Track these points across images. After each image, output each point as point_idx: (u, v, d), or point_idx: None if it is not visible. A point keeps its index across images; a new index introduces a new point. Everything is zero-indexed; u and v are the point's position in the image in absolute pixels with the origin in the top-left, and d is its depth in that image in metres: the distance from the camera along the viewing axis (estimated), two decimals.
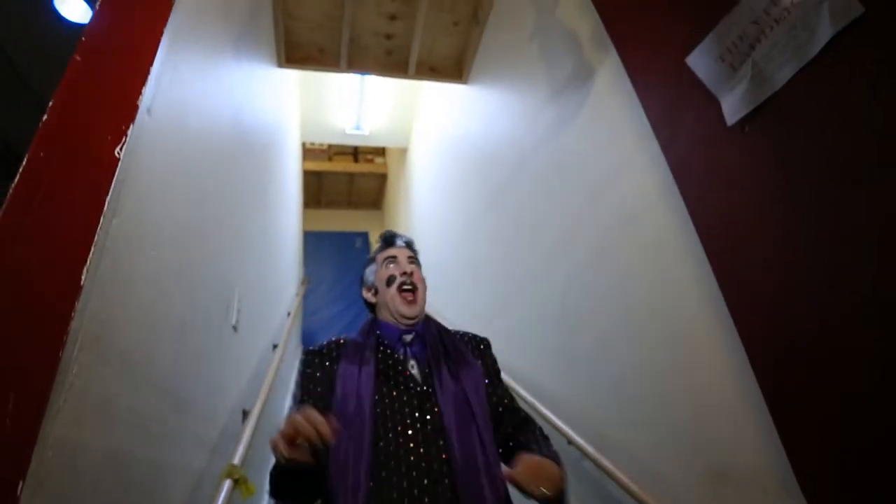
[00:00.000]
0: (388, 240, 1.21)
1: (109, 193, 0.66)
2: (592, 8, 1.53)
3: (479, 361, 1.09)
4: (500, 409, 1.05)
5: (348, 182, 6.56)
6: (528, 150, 2.01)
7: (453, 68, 2.88)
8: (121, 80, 0.77)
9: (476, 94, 2.80)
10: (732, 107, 1.01)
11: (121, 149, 0.70)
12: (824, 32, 0.83)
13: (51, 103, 0.72)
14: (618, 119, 1.41)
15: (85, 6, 2.38)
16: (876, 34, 0.78)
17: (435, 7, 2.59)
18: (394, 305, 1.08)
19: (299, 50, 2.68)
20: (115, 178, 0.68)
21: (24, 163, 0.66)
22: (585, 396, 1.54)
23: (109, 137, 0.71)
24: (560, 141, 1.74)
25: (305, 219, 5.91)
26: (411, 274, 1.12)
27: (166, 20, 0.89)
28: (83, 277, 0.59)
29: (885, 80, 0.76)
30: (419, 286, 1.12)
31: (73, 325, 0.58)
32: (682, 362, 1.18)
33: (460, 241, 2.98)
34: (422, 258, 1.21)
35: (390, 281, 1.11)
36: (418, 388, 0.97)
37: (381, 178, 6.49)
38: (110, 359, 0.69)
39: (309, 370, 1.01)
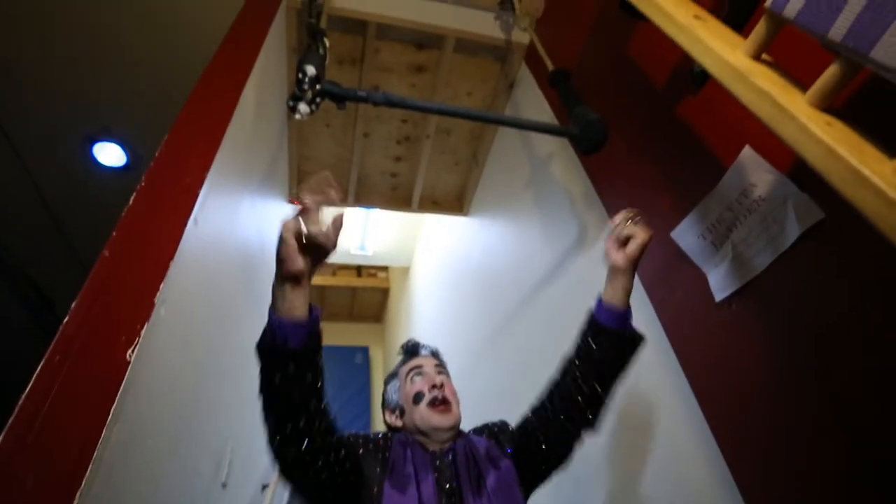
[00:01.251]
0: (411, 349, 1.09)
1: (116, 401, 0.68)
2: (583, 169, 1.68)
3: (507, 455, 0.96)
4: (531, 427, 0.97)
5: (350, 296, 6.63)
6: (528, 291, 2.07)
7: (454, 202, 3.07)
8: (142, 277, 0.83)
9: (476, 226, 2.95)
10: (718, 284, 1.06)
11: (133, 351, 0.73)
12: (792, 230, 0.90)
13: (74, 304, 0.77)
14: None
15: (120, 151, 2.61)
16: (842, 229, 0.85)
17: (437, 150, 2.83)
18: (425, 423, 0.94)
19: None
20: (123, 384, 0.70)
21: (37, 371, 0.68)
22: None
23: (124, 338, 0.74)
24: (556, 288, 1.80)
25: None
26: (442, 386, 0.99)
27: (192, 209, 0.98)
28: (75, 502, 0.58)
29: (856, 268, 0.81)
30: (452, 400, 0.99)
31: None
32: None
33: (463, 371, 2.94)
34: None
35: (418, 398, 0.97)
36: None
37: (384, 293, 6.57)
38: None
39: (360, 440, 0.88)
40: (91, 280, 0.80)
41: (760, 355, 0.97)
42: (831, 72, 0.60)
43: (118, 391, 0.69)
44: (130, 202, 0.94)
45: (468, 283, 3.09)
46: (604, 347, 0.92)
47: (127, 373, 0.71)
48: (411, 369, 1.03)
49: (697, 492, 1.10)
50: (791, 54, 0.77)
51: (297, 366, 0.69)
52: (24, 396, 0.65)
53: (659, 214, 1.28)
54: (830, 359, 0.84)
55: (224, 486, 1.46)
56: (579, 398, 0.92)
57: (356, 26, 2.13)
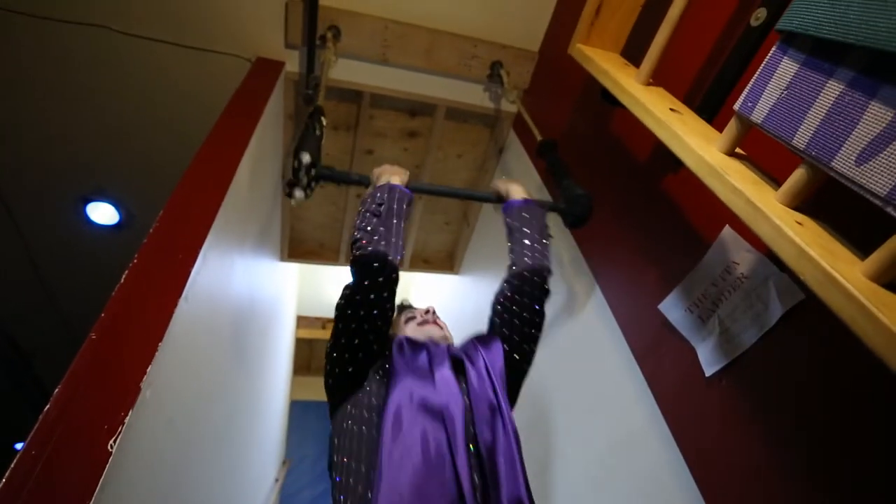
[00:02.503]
0: (407, 306, 1.18)
1: (93, 499, 0.65)
2: (571, 236, 1.72)
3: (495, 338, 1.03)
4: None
5: None
6: None
7: (445, 260, 3.09)
8: (129, 361, 0.82)
9: (467, 284, 2.96)
10: (707, 359, 1.07)
11: (115, 441, 0.71)
12: (776, 309, 0.92)
13: (57, 389, 0.76)
14: (602, 344, 1.48)
15: (113, 210, 2.63)
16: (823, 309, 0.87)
17: (428, 210, 2.88)
18: (415, 335, 1.02)
19: (302, 246, 2.90)
20: (102, 478, 0.67)
21: (12, 466, 0.66)
22: None
23: (106, 427, 0.72)
24: (546, 355, 1.79)
25: (293, 387, 5.72)
26: (433, 313, 1.11)
27: (183, 288, 0.98)
28: None
29: (842, 345, 0.82)
30: (443, 325, 1.10)
31: None
32: None
33: None
34: None
35: (409, 321, 1.08)
36: None
37: None
38: None
39: None
40: (77, 363, 0.79)
41: (753, 431, 0.96)
42: (799, 174, 0.64)
43: (97, 487, 0.66)
44: (122, 280, 0.94)
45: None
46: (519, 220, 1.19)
47: (107, 466, 0.69)
48: (406, 314, 1.12)
49: None
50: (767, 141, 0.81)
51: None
52: None
53: (646, 285, 1.31)
54: (822, 435, 0.84)
55: None
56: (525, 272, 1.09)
57: (352, 95, 2.23)
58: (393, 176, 1.15)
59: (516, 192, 1.25)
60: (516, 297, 1.04)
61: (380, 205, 1.03)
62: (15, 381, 3.41)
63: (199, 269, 1.06)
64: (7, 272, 3.01)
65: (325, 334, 6.14)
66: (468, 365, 0.91)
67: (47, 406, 0.73)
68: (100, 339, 0.84)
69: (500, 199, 1.29)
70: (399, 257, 0.99)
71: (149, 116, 2.22)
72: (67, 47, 1.93)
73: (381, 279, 0.92)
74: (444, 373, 0.87)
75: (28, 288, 3.12)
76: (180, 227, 1.11)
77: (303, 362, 6.56)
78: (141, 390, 0.79)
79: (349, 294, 0.92)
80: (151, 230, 1.07)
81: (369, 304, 0.91)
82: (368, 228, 0.99)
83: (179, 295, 0.95)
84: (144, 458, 0.87)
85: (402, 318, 1.11)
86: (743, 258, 1.01)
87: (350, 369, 0.91)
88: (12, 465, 0.66)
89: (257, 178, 1.78)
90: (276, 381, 3.53)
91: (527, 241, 1.13)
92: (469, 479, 0.72)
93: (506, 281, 1.09)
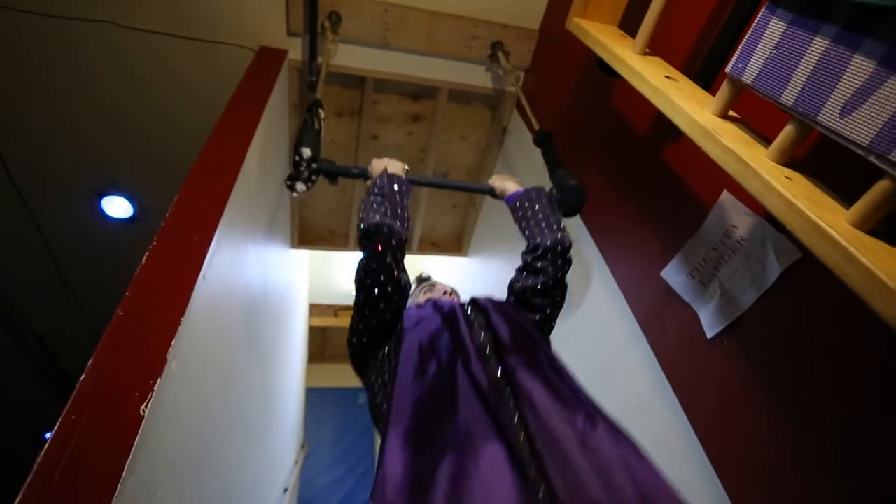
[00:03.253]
0: (426, 279, 1.25)
1: (130, 456, 0.71)
2: None
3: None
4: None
5: None
6: None
7: (453, 243, 3.13)
8: (155, 334, 0.87)
9: (476, 266, 3.00)
10: (709, 321, 1.10)
11: (146, 406, 0.76)
12: (773, 269, 0.94)
13: (90, 361, 0.81)
14: (608, 314, 1.51)
15: (127, 204, 2.69)
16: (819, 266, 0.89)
17: (435, 193, 2.91)
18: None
19: (311, 232, 2.95)
20: (137, 439, 0.73)
21: (54, 429, 0.71)
22: None
23: (137, 394, 0.78)
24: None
25: (308, 374, 5.83)
26: (452, 294, 1.16)
27: (201, 267, 1.03)
28: None
29: (837, 300, 0.85)
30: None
31: None
32: None
33: None
34: None
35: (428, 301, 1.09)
36: None
37: None
38: None
39: None
40: (106, 338, 0.84)
41: (754, 389, 0.99)
42: (788, 131, 0.67)
43: (133, 446, 0.71)
44: (143, 261, 0.99)
45: None
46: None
47: (141, 428, 0.74)
48: (425, 287, 1.18)
49: None
50: (760, 103, 0.83)
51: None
52: (42, 454, 0.68)
53: (649, 253, 1.33)
54: (818, 389, 0.87)
55: None
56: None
57: (355, 81, 2.25)
58: (391, 166, 1.20)
59: (512, 188, 1.28)
60: (540, 272, 1.05)
61: (381, 187, 1.09)
62: (42, 373, 3.52)
63: (214, 252, 1.11)
64: (28, 268, 3.10)
65: (338, 322, 6.22)
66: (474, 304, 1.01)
67: (82, 376, 0.79)
68: (126, 315, 0.89)
69: (493, 194, 1.33)
70: (406, 226, 1.03)
71: (156, 109, 2.26)
72: (74, 44, 1.97)
73: (393, 242, 0.96)
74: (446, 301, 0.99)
75: (48, 283, 3.21)
76: (195, 212, 1.15)
77: (317, 350, 6.66)
78: (167, 361, 0.84)
79: (365, 263, 0.96)
80: (168, 214, 1.11)
81: (387, 268, 0.95)
82: (374, 205, 1.04)
83: (198, 274, 1.00)
84: (173, 425, 0.92)
85: (422, 290, 1.18)
86: (742, 221, 1.03)
87: (378, 332, 0.97)
88: (55, 430, 0.72)
89: (265, 164, 1.82)
90: (291, 366, 3.62)
91: (541, 216, 1.13)
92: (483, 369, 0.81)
93: (526, 257, 1.10)
